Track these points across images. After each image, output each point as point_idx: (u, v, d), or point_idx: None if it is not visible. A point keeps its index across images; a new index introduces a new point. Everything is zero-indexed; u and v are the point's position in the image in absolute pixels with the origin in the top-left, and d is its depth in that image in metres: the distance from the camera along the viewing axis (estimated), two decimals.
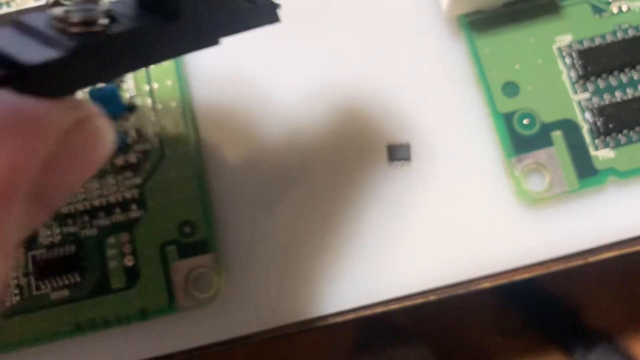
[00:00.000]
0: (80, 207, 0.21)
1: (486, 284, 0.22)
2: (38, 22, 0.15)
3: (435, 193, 0.22)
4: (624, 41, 0.22)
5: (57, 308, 0.21)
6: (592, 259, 0.22)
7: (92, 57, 0.14)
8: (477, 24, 0.23)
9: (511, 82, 0.22)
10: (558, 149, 0.22)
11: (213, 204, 0.22)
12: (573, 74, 0.22)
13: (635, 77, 0.22)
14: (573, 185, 0.22)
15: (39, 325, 0.21)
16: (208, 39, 0.17)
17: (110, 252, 0.21)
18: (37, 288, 0.21)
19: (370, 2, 0.23)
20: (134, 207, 0.22)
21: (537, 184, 0.22)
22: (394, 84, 0.23)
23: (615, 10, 0.23)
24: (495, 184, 0.22)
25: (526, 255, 0.22)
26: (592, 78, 0.22)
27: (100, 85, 0.22)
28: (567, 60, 0.22)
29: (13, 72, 0.13)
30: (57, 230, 0.21)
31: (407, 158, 0.22)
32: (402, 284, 0.22)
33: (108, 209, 0.22)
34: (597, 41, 0.22)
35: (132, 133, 0.22)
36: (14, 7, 0.23)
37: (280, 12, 0.19)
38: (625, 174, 0.22)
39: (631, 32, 0.22)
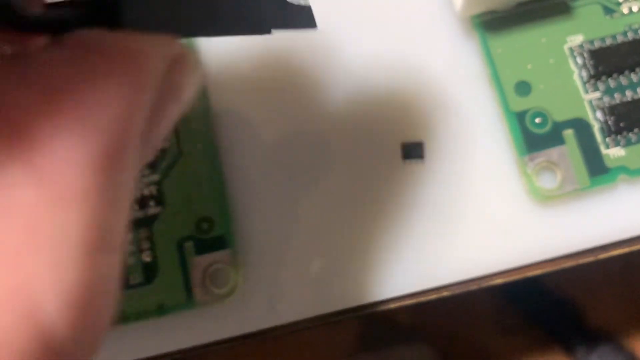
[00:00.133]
0: None
1: (498, 280, 0.22)
2: None
3: (448, 191, 0.22)
4: (634, 41, 0.23)
5: None
6: (603, 255, 0.22)
7: None
8: (490, 24, 0.23)
9: (523, 81, 0.23)
10: (570, 148, 0.22)
11: (230, 200, 0.22)
12: (584, 73, 0.23)
13: None
14: (584, 183, 0.22)
15: None
16: (263, 25, 0.16)
17: (129, 248, 0.22)
18: None
19: (384, 2, 0.24)
20: (152, 203, 0.22)
21: (548, 181, 0.22)
22: (408, 82, 0.23)
23: (625, 10, 0.23)
24: (507, 182, 0.22)
25: (538, 252, 0.22)
26: (603, 77, 0.22)
27: None
28: (579, 60, 0.23)
29: (103, 3, 0.12)
30: None
31: (420, 156, 0.23)
32: (415, 280, 0.22)
33: None
34: (608, 41, 0.23)
35: None
36: None
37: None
38: (635, 172, 0.22)
39: None
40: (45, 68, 0.10)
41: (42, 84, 0.10)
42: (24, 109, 0.10)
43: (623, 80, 0.22)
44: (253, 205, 0.22)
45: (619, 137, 0.22)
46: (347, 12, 0.24)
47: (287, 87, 0.23)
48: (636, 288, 0.37)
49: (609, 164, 0.22)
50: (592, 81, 0.22)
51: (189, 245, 0.22)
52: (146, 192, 0.22)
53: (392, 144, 0.23)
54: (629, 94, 0.22)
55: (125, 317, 0.21)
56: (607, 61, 0.22)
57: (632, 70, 0.22)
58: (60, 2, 0.13)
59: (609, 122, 0.22)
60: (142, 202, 0.22)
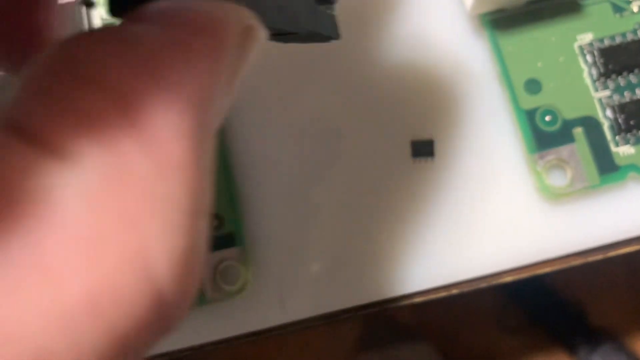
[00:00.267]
0: None
1: (508, 278, 0.22)
2: None
3: (459, 188, 0.22)
4: None
5: None
6: (612, 253, 0.22)
7: None
8: (500, 22, 0.23)
9: (533, 79, 0.23)
10: (579, 146, 0.22)
11: (240, 198, 0.22)
12: (594, 71, 0.23)
13: None
14: (594, 181, 0.22)
15: None
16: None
17: None
18: None
19: (393, 1, 0.24)
20: None
21: (558, 179, 0.22)
22: (417, 80, 0.23)
23: (635, 9, 0.23)
24: (517, 180, 0.22)
25: (547, 250, 0.22)
26: (613, 76, 0.22)
27: None
28: (589, 58, 0.23)
29: None
30: None
31: (430, 154, 0.23)
32: (424, 278, 0.22)
33: None
34: (618, 40, 0.23)
35: None
36: None
37: None
38: None
39: None
40: (142, 45, 0.11)
41: (143, 60, 0.10)
42: (131, 86, 0.10)
43: (633, 78, 0.22)
44: (263, 203, 0.22)
45: (628, 135, 0.22)
46: (358, 11, 0.24)
47: (297, 85, 0.23)
48: (638, 288, 0.37)
49: (618, 161, 0.22)
50: (602, 79, 0.22)
51: None
52: None
53: (401, 141, 0.23)
54: (638, 92, 0.22)
55: None
56: (616, 59, 0.22)
57: None
58: None
59: (619, 120, 0.22)
60: None
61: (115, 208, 0.10)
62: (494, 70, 0.23)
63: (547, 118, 0.22)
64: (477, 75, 0.23)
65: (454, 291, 0.22)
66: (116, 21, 0.12)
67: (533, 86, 0.23)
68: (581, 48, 0.23)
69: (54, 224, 0.09)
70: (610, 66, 0.22)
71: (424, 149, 0.23)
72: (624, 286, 0.37)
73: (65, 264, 0.09)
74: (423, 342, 0.37)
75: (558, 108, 0.22)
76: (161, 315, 0.10)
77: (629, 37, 0.23)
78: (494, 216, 0.22)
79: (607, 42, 0.23)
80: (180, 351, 0.22)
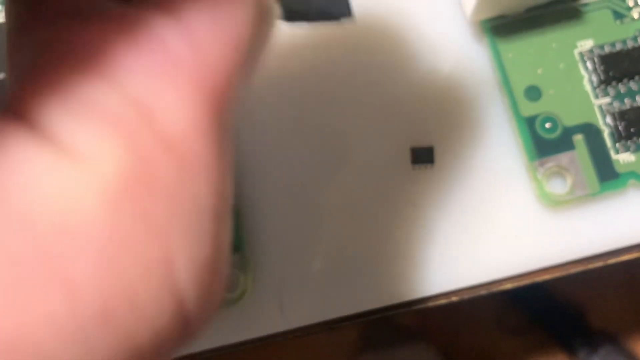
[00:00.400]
0: None
1: (508, 285, 0.22)
2: None
3: (458, 196, 0.22)
4: None
5: None
6: (612, 261, 0.22)
7: None
8: (500, 29, 0.23)
9: (533, 86, 0.23)
10: (579, 153, 0.22)
11: (240, 204, 0.22)
12: (594, 78, 0.23)
13: None
14: (594, 188, 0.22)
15: None
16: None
17: None
18: None
19: (394, 7, 0.24)
20: None
21: (558, 186, 0.22)
22: (417, 87, 0.23)
23: (636, 15, 0.23)
24: (517, 187, 0.22)
25: (547, 257, 0.22)
26: (613, 83, 0.22)
27: None
28: (589, 65, 0.23)
29: None
30: None
31: (430, 161, 0.23)
32: (424, 286, 0.22)
33: None
34: (618, 46, 0.23)
35: None
36: None
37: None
38: None
39: None
40: (153, 35, 0.10)
41: (155, 53, 0.10)
42: (144, 79, 0.10)
43: (633, 85, 0.22)
44: (263, 210, 0.22)
45: (629, 142, 0.22)
46: (358, 18, 0.24)
47: (297, 92, 0.23)
48: (638, 289, 0.37)
49: (619, 169, 0.22)
50: (602, 86, 0.22)
51: None
52: None
53: (401, 148, 0.23)
54: (639, 99, 0.22)
55: None
56: (617, 66, 0.22)
57: None
58: None
59: (619, 128, 0.22)
60: None
61: (136, 212, 0.09)
62: (493, 77, 0.23)
63: (547, 125, 0.22)
64: (477, 82, 0.23)
65: (454, 298, 0.22)
66: None
67: (533, 93, 0.23)
68: (581, 55, 0.23)
69: (70, 229, 0.09)
70: (610, 73, 0.22)
71: (423, 156, 0.23)
72: (624, 287, 0.37)
73: (80, 271, 0.09)
74: (423, 344, 0.37)
75: (558, 115, 0.22)
76: (182, 325, 0.10)
77: (630, 44, 0.23)
78: (494, 223, 0.22)
79: (607, 49, 0.23)
80: (179, 359, 0.22)
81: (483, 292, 0.22)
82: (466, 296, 0.22)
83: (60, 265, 0.09)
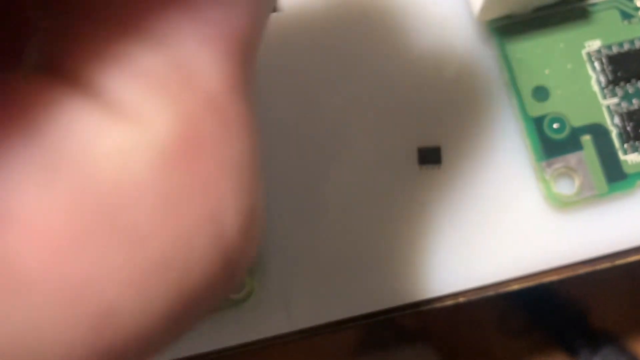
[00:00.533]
0: None
1: (515, 286, 0.22)
2: None
3: (465, 196, 0.22)
4: None
5: None
6: (620, 262, 0.22)
7: None
8: (507, 29, 0.23)
9: (541, 86, 0.22)
10: (587, 153, 0.22)
11: None
12: (602, 79, 0.22)
13: None
14: (602, 189, 0.22)
15: None
16: None
17: None
18: None
19: (400, 9, 0.23)
20: None
21: (566, 187, 0.22)
22: (424, 87, 0.23)
23: None
24: (524, 188, 0.22)
25: (555, 258, 0.22)
26: (622, 83, 0.22)
27: None
28: (597, 66, 0.23)
29: None
30: None
31: (437, 161, 0.22)
32: (431, 287, 0.22)
33: None
34: (626, 46, 0.23)
35: None
36: None
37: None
38: None
39: None
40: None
41: (190, 6, 0.10)
42: (181, 34, 0.10)
43: None
44: (268, 211, 0.22)
45: (637, 143, 0.22)
46: (364, 18, 0.23)
47: (303, 91, 0.23)
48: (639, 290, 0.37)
49: (627, 170, 0.22)
50: (610, 87, 0.22)
51: None
52: None
53: (408, 148, 0.23)
54: None
55: None
56: (625, 66, 0.22)
57: None
58: None
59: (628, 128, 0.22)
60: None
61: (188, 169, 0.09)
62: (501, 77, 0.23)
63: (555, 125, 0.22)
64: (484, 82, 0.23)
65: (461, 299, 0.22)
66: None
67: (541, 93, 0.22)
68: (589, 55, 0.23)
69: (130, 185, 0.09)
70: (618, 73, 0.22)
71: (430, 156, 0.22)
72: (625, 288, 0.37)
73: (141, 223, 0.09)
74: (424, 345, 0.37)
75: (566, 115, 0.22)
76: (228, 274, 0.10)
77: (637, 44, 0.23)
78: (501, 224, 0.22)
79: (615, 49, 0.23)
80: (185, 359, 0.22)
81: (490, 293, 0.22)
82: (473, 297, 0.22)
83: (122, 219, 0.09)
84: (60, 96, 0.09)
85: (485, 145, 0.23)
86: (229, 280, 0.10)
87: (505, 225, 0.22)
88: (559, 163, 0.22)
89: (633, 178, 0.22)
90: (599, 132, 0.22)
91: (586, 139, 0.22)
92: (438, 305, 0.22)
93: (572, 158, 0.22)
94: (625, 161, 0.22)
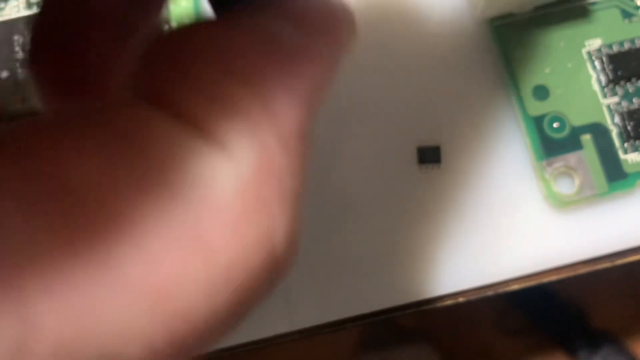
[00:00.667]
0: None
1: (515, 286, 0.22)
2: None
3: (465, 195, 0.22)
4: None
5: None
6: (620, 261, 0.22)
7: None
8: (507, 28, 0.23)
9: (541, 85, 0.22)
10: (588, 153, 0.22)
11: None
12: (603, 77, 0.22)
13: None
14: (602, 188, 0.22)
15: None
16: None
17: None
18: None
19: (400, 5, 0.23)
20: None
21: (566, 187, 0.22)
22: (423, 86, 0.23)
23: None
24: (525, 187, 0.22)
25: (555, 258, 0.22)
26: (622, 82, 0.22)
27: None
28: (597, 64, 0.22)
29: None
30: None
31: (437, 160, 0.22)
32: (430, 287, 0.22)
33: None
34: (627, 45, 0.23)
35: None
36: None
37: None
38: None
39: None
40: (281, 44, 0.12)
41: (281, 59, 0.12)
42: (269, 80, 0.11)
43: None
44: None
45: (637, 142, 0.22)
46: (365, 17, 0.23)
47: None
48: (639, 290, 0.37)
49: (627, 169, 0.22)
50: (611, 86, 0.22)
51: None
52: None
53: (407, 147, 0.23)
54: None
55: None
56: (625, 65, 0.22)
57: None
58: None
59: (628, 127, 0.22)
60: None
61: (257, 194, 0.11)
62: (501, 76, 0.23)
63: (555, 125, 0.22)
64: (485, 81, 0.23)
65: (461, 299, 0.22)
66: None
67: (541, 92, 0.22)
68: (589, 54, 0.23)
69: (213, 207, 0.10)
70: (619, 72, 0.22)
71: (430, 155, 0.22)
72: (625, 288, 0.37)
73: (217, 241, 0.10)
74: (423, 344, 0.37)
75: (566, 115, 0.22)
76: (272, 283, 0.12)
77: (638, 43, 0.23)
78: (501, 224, 0.22)
79: (615, 48, 0.23)
80: None
81: (490, 293, 0.22)
82: (473, 297, 0.22)
83: (202, 234, 0.10)
84: (156, 124, 0.11)
85: (485, 145, 0.22)
86: (272, 288, 0.12)
87: (505, 225, 0.22)
88: (559, 162, 0.22)
89: (633, 177, 0.22)
90: (599, 131, 0.22)
91: (586, 138, 0.22)
92: (438, 305, 0.22)
93: (572, 157, 0.22)
94: (626, 160, 0.22)
